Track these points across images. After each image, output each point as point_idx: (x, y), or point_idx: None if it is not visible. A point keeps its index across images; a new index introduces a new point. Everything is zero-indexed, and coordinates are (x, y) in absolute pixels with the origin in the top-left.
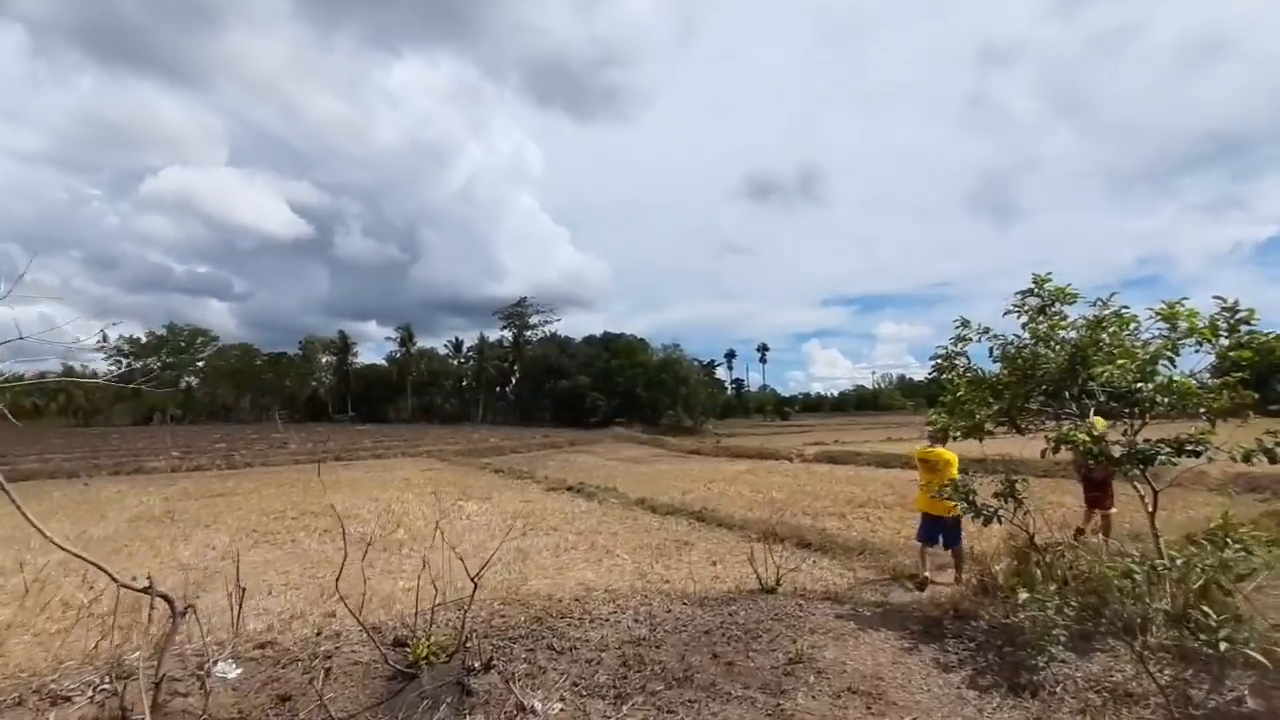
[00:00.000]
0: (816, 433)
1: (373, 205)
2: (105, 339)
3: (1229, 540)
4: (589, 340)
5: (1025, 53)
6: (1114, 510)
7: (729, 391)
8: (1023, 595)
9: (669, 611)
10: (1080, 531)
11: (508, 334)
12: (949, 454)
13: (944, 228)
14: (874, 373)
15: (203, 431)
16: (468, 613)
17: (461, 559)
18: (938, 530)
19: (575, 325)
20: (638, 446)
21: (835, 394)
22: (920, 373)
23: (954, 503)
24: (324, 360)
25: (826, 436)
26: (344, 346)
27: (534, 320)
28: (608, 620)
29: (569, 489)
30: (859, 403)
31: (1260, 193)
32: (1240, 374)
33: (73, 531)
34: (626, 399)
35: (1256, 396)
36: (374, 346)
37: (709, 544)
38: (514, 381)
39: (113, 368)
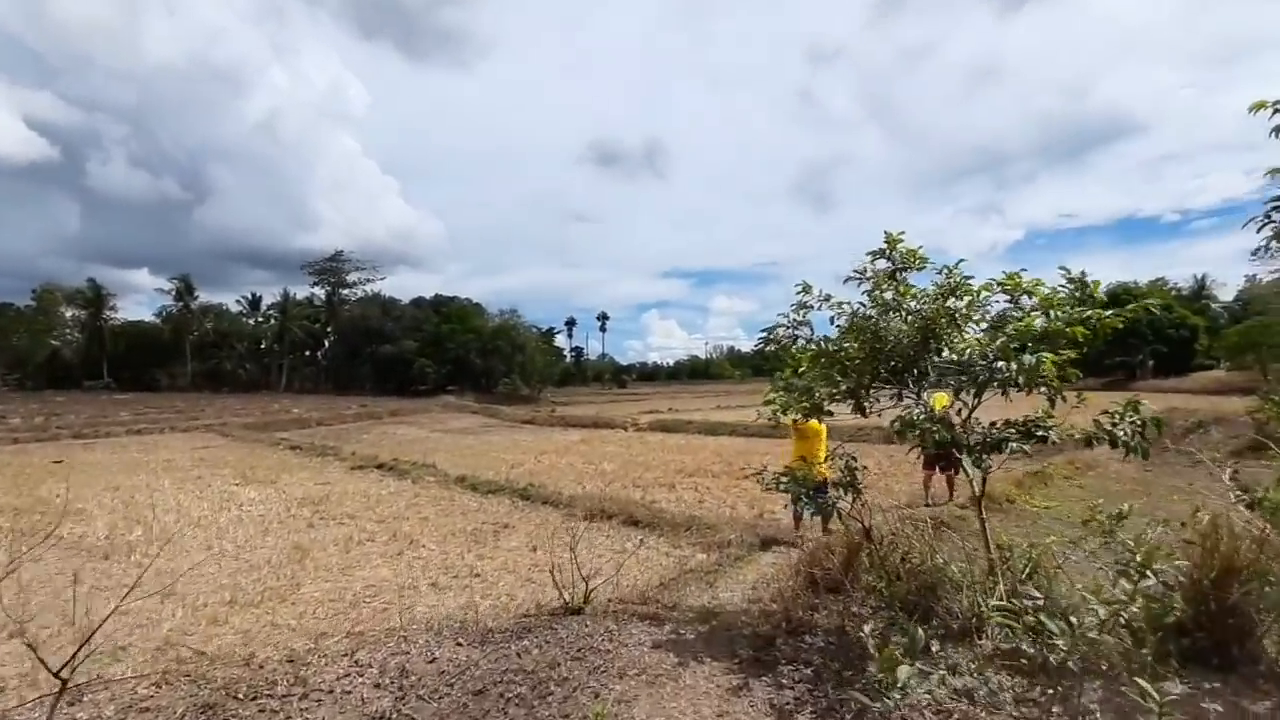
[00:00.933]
0: (652, 400)
1: (142, 129)
2: None
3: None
4: (417, 303)
5: (845, 57)
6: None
7: (568, 359)
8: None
9: (433, 660)
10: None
11: (319, 292)
12: (819, 425)
13: (772, 211)
14: (706, 343)
15: None
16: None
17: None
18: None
19: (404, 286)
20: (468, 416)
21: (671, 363)
22: (748, 344)
23: (825, 466)
24: (69, 315)
25: (661, 405)
26: (96, 298)
27: (352, 278)
28: (333, 691)
29: (379, 467)
30: (692, 372)
31: (1013, 202)
32: (1077, 349)
33: None
34: (459, 366)
35: (1081, 375)
36: (145, 300)
37: (531, 525)
38: (327, 345)
39: None
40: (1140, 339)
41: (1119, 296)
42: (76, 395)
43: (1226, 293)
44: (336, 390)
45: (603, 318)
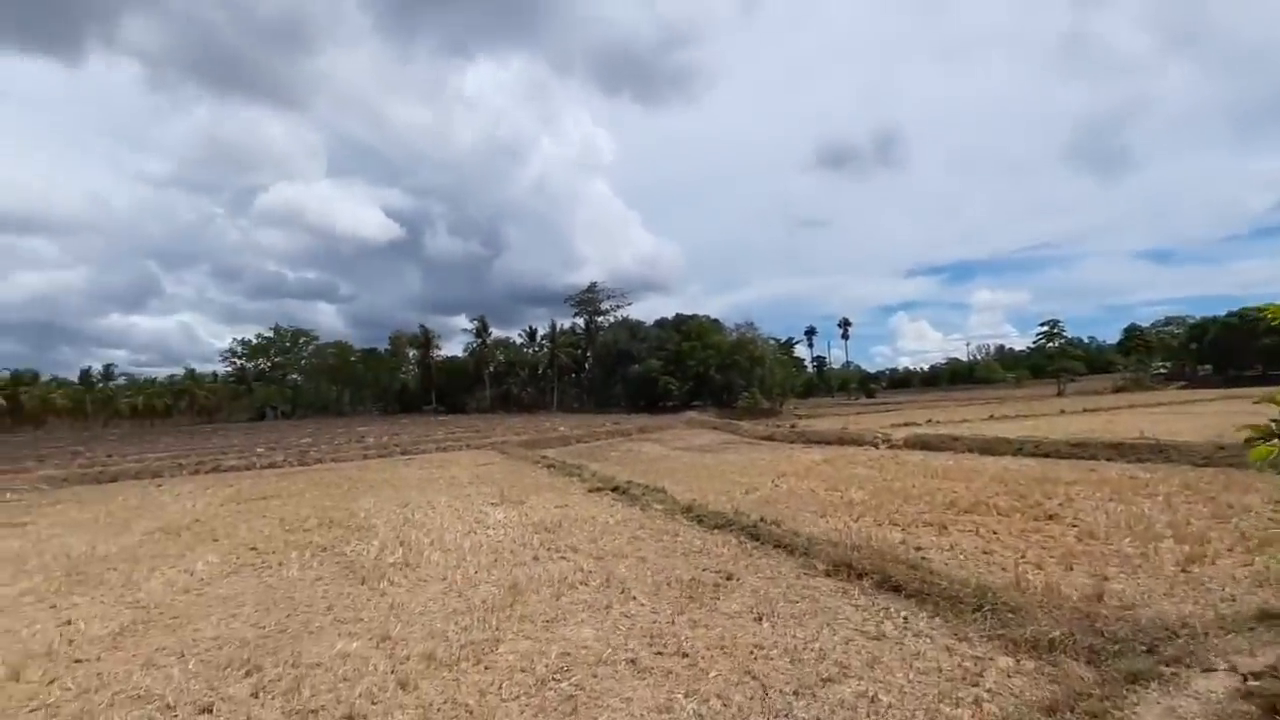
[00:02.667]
0: (905, 411)
1: (456, 205)
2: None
3: None
4: (660, 323)
5: None
6: None
7: (810, 370)
8: None
9: None
10: None
11: (580, 321)
12: None
13: (1040, 184)
14: (968, 343)
15: (300, 425)
16: None
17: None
18: None
19: (652, 309)
20: (709, 433)
21: (925, 368)
22: (1020, 342)
23: None
24: (411, 354)
25: (917, 416)
26: (425, 340)
27: (605, 305)
28: None
29: (614, 490)
30: (952, 376)
31: None
32: None
33: (85, 548)
34: (700, 382)
35: None
36: (462, 339)
37: (759, 579)
38: (587, 368)
39: (228, 368)
40: None
41: None
42: (415, 418)
43: None
44: (597, 408)
45: (844, 324)
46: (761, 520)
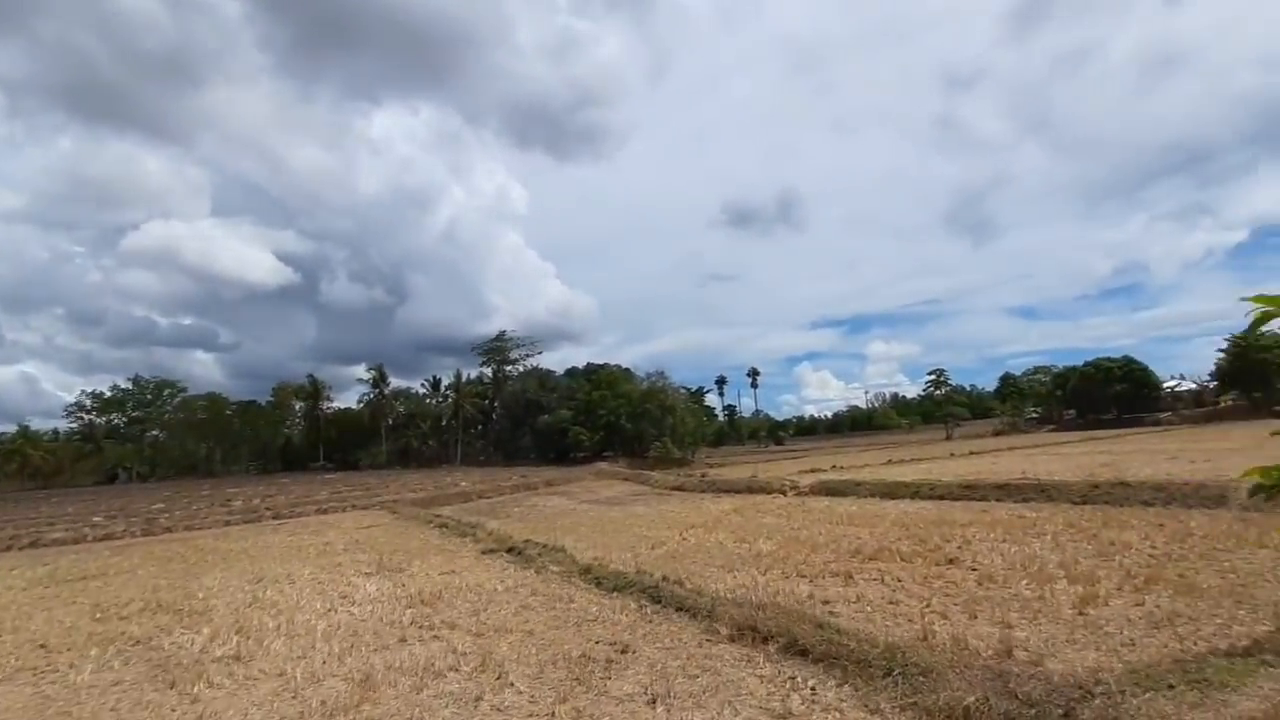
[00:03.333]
0: (812, 457)
1: (358, 251)
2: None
3: None
4: (570, 372)
5: (987, 77)
6: None
7: (721, 418)
8: None
9: None
10: None
11: (487, 370)
12: None
13: (924, 246)
14: (866, 392)
15: (156, 489)
16: None
17: None
18: None
19: (565, 359)
20: (619, 484)
21: (829, 415)
22: (913, 390)
23: None
24: (297, 407)
25: (823, 462)
26: (314, 391)
27: (514, 354)
28: None
29: (509, 550)
30: (853, 423)
31: (1226, 199)
32: None
33: None
34: (611, 431)
35: None
36: (359, 390)
37: (657, 649)
38: (494, 418)
39: (73, 425)
40: None
41: None
42: (299, 476)
43: None
44: (504, 461)
45: (753, 373)
46: (664, 579)
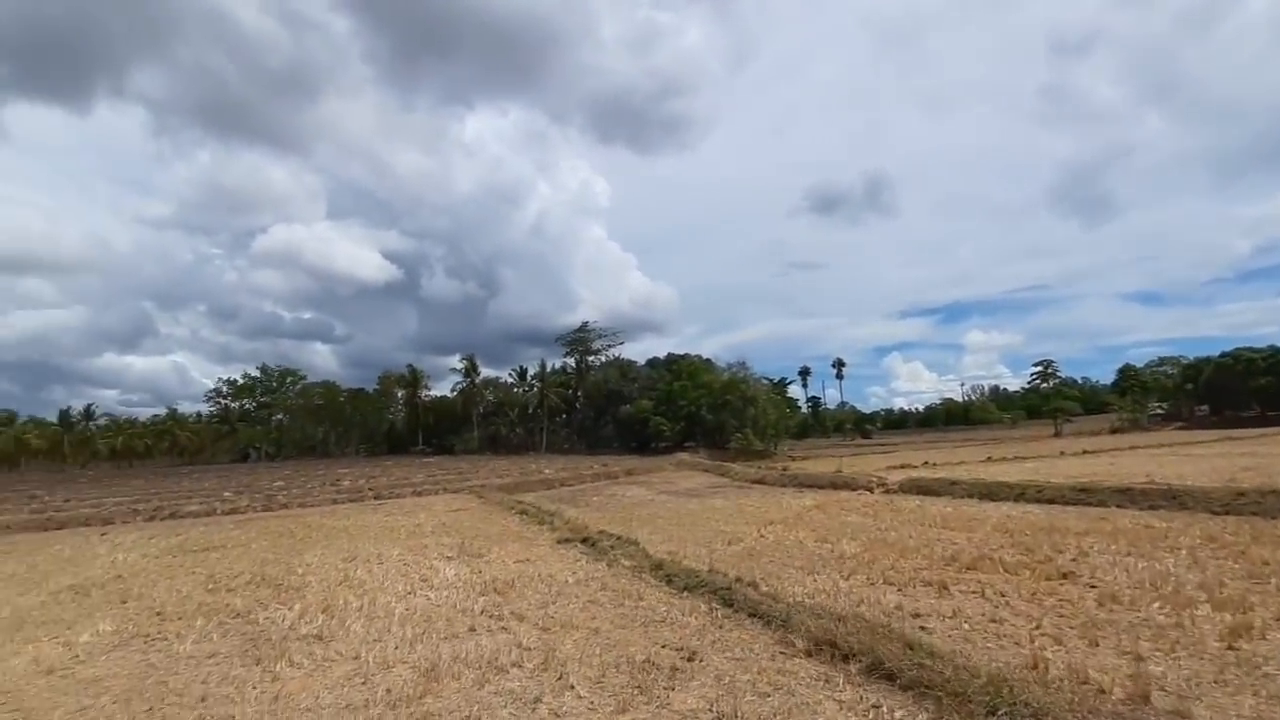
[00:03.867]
0: (901, 452)
1: (454, 248)
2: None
3: None
4: (652, 363)
5: (1101, 40)
6: None
7: (804, 410)
8: None
9: None
10: None
11: (570, 361)
12: None
13: (1028, 228)
14: (963, 384)
15: (279, 468)
16: None
17: None
18: None
19: (647, 350)
20: (699, 475)
21: (920, 409)
22: (1015, 383)
23: None
24: (399, 394)
25: (914, 458)
26: (413, 380)
27: (597, 345)
28: None
29: (583, 541)
30: (948, 417)
31: None
32: None
33: None
34: (691, 422)
35: None
36: (453, 379)
37: (726, 660)
38: (577, 408)
39: (213, 409)
40: None
41: None
42: (400, 459)
43: None
44: (587, 449)
45: (838, 364)
46: (738, 580)
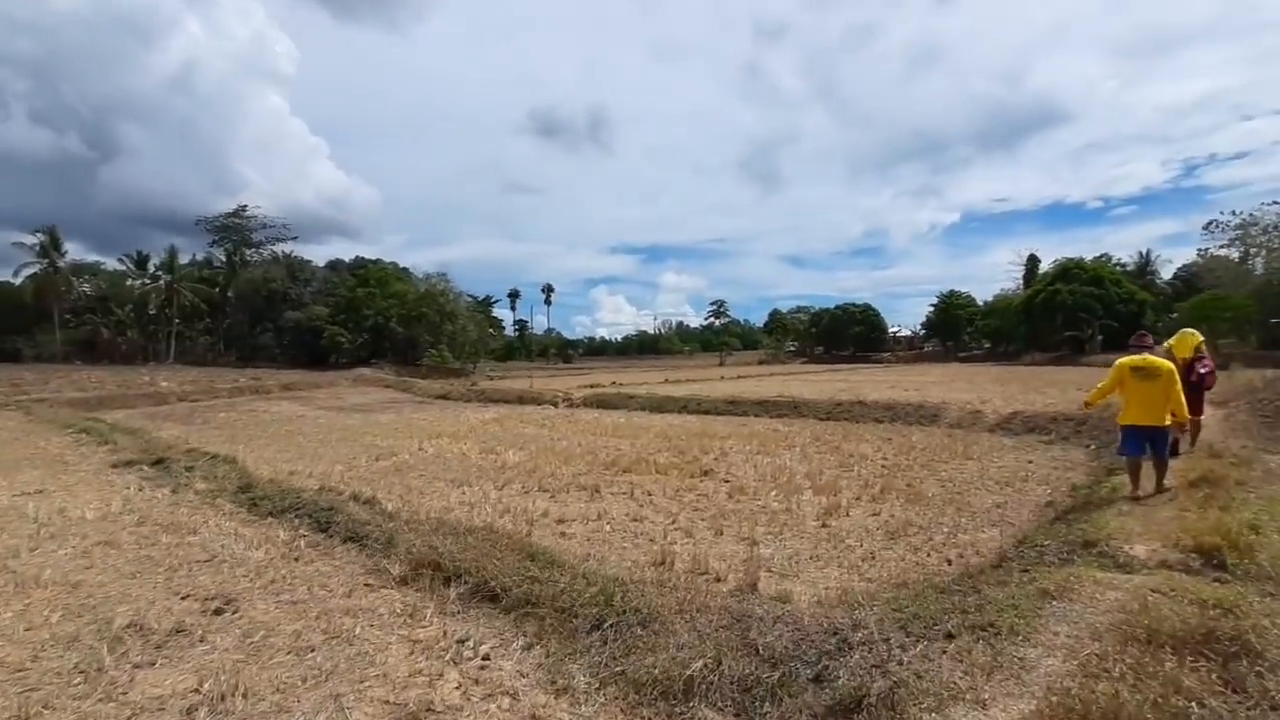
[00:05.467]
0: (596, 374)
1: (45, 84)
2: None
3: None
4: (334, 265)
5: (792, 33)
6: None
7: (512, 333)
8: None
9: None
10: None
11: (219, 253)
12: (1168, 363)
13: (721, 187)
14: (655, 318)
15: None
16: None
17: None
18: (1146, 440)
19: (335, 255)
20: (377, 391)
21: (619, 339)
22: (697, 320)
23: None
24: None
25: (605, 379)
26: None
27: (258, 237)
28: None
29: (155, 463)
30: (641, 346)
31: (950, 185)
32: None
33: None
34: (378, 335)
35: None
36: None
37: (274, 608)
38: (226, 311)
39: None
40: (1090, 314)
41: (1069, 271)
42: None
43: (1167, 270)
44: (240, 362)
45: (547, 290)
46: (354, 498)
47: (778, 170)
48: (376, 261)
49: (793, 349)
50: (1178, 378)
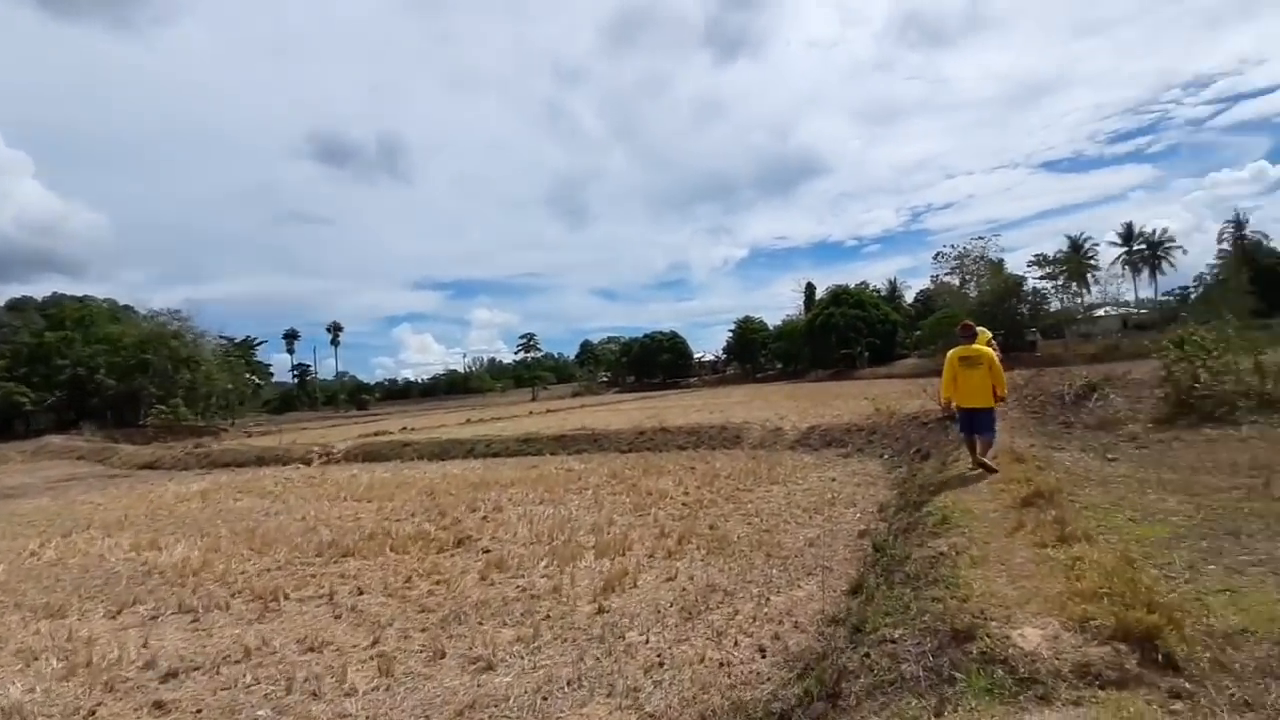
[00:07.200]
0: (390, 420)
1: None
2: None
3: None
4: (14, 306)
5: (590, 79)
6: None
7: (292, 379)
8: None
9: None
10: None
11: None
12: (989, 351)
13: (530, 221)
14: (464, 356)
15: None
16: None
17: None
18: (974, 419)
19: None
20: (66, 464)
21: (426, 379)
22: (510, 356)
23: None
24: None
25: (397, 424)
26: None
27: None
28: None
29: None
30: (450, 387)
31: (739, 224)
32: None
33: None
34: (79, 391)
35: None
36: None
37: None
38: None
39: None
40: (858, 333)
41: (839, 297)
42: None
43: (910, 295)
44: None
45: (334, 329)
46: None
47: (585, 206)
48: (83, 299)
49: (605, 379)
50: (998, 362)
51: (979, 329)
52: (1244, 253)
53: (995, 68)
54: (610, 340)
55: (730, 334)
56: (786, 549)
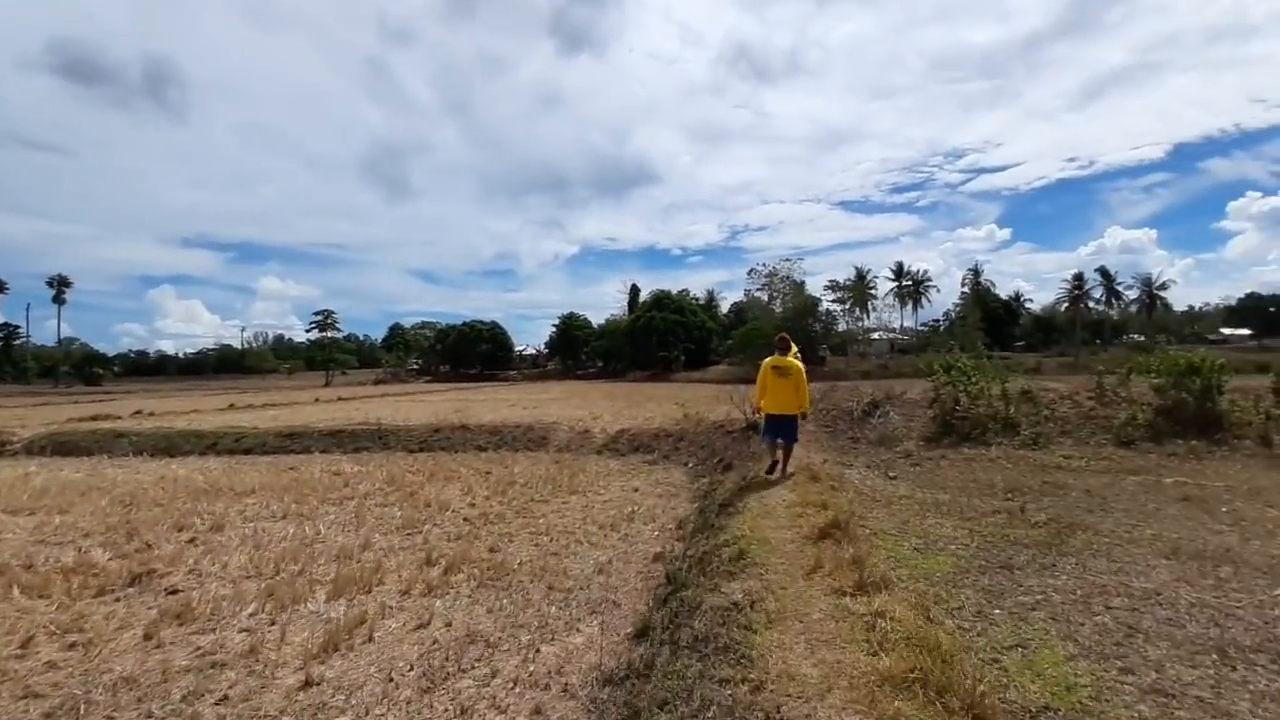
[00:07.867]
0: (124, 401)
1: None
2: None
3: None
4: None
5: (423, 43)
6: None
7: None
8: None
9: None
10: None
11: None
12: (798, 364)
13: (340, 186)
14: (244, 330)
15: None
16: None
17: None
18: (779, 426)
19: None
20: None
21: (188, 353)
22: (304, 334)
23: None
24: None
25: (132, 406)
26: None
27: None
28: None
29: None
30: (220, 364)
31: (571, 220)
32: None
33: None
34: None
35: None
36: None
37: None
38: None
39: None
40: (676, 338)
41: (661, 301)
42: None
43: (725, 305)
44: None
45: (59, 282)
46: None
47: (407, 179)
48: None
49: (415, 367)
50: (804, 376)
51: (792, 344)
52: (978, 297)
53: (809, 111)
54: (425, 325)
55: (554, 329)
56: (572, 578)
